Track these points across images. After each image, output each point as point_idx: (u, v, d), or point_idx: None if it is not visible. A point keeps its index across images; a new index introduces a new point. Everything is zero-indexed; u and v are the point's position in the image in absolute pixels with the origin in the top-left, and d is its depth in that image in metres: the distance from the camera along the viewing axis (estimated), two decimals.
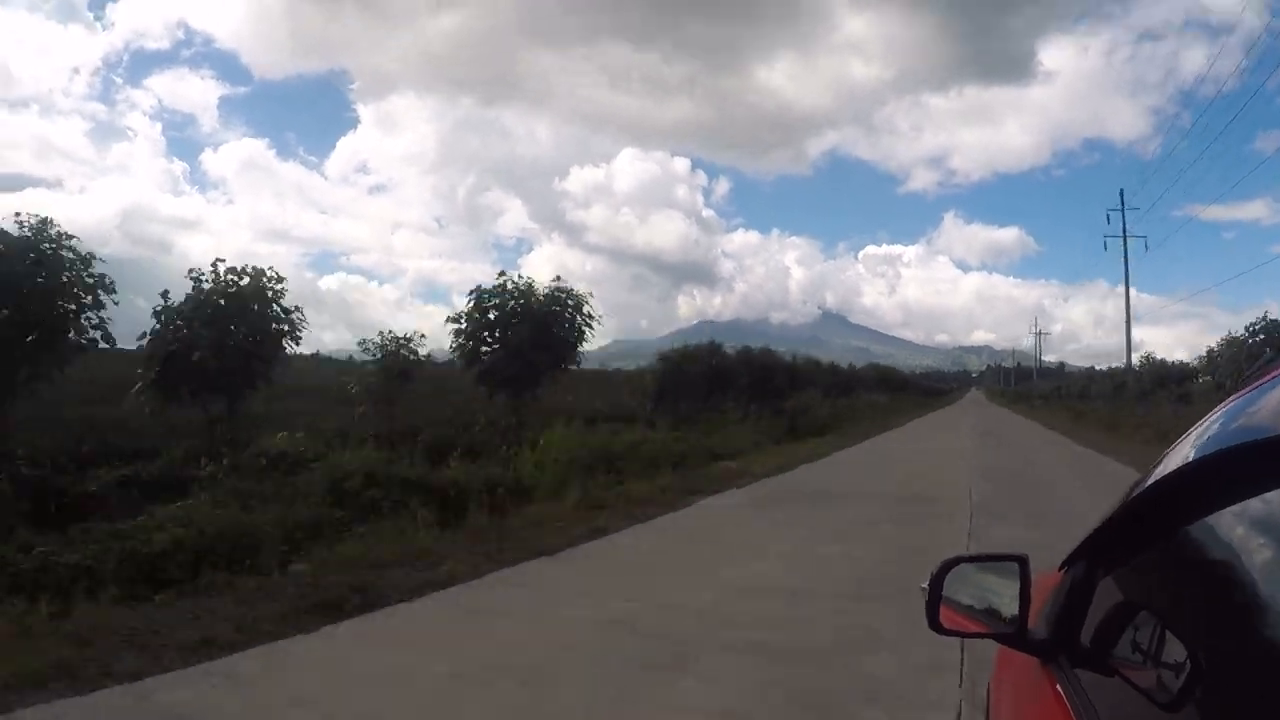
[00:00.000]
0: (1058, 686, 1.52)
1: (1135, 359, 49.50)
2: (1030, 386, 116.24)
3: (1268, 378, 1.29)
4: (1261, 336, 32.44)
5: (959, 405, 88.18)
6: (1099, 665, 1.41)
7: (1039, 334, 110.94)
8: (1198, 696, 1.09)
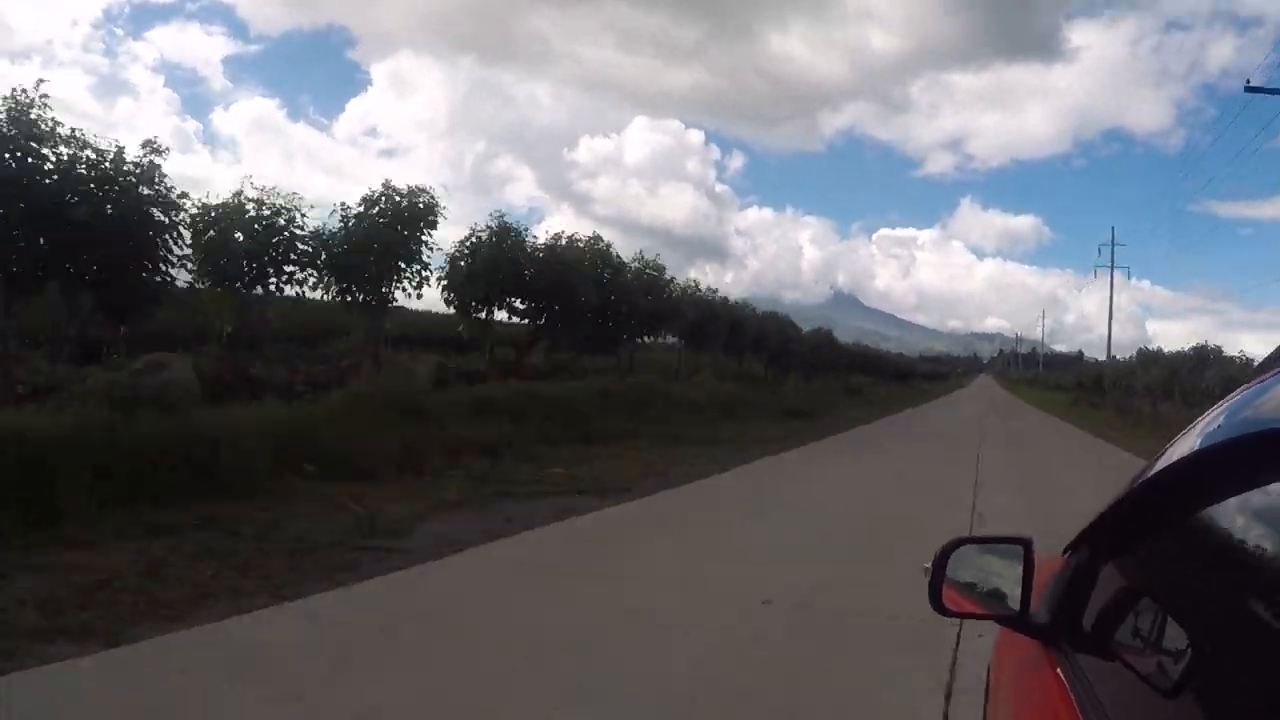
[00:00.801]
0: (1058, 670, 1.54)
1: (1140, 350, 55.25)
2: (1036, 374, 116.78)
3: (1275, 371, 1.30)
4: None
5: (956, 398, 68.88)
6: (1100, 650, 1.42)
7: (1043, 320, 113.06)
8: (1198, 683, 1.11)
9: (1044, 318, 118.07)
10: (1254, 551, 1.20)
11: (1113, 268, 56.11)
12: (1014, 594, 1.66)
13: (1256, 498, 1.22)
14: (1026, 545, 1.68)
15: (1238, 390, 1.38)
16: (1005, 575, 1.69)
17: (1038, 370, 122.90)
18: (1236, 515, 1.30)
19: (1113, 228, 60.67)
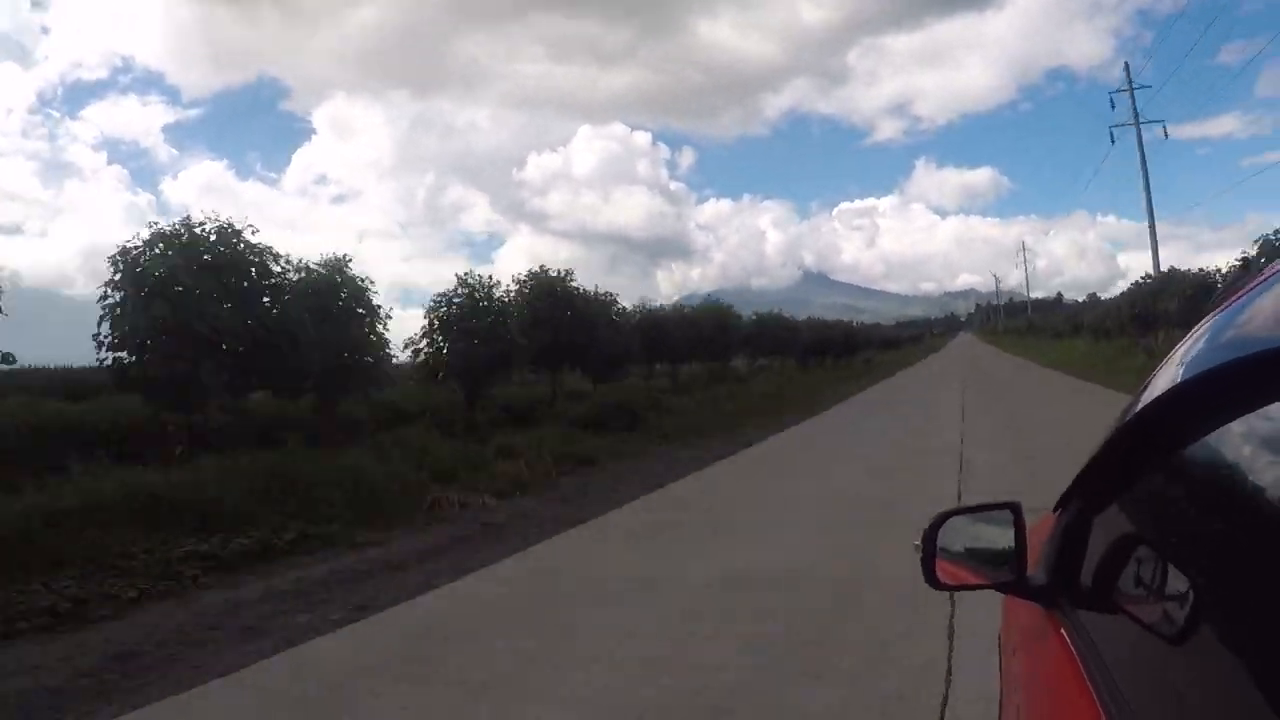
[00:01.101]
0: (1061, 630, 1.48)
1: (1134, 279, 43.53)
2: (1028, 320, 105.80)
3: (1245, 291, 1.24)
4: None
5: (917, 377, 42.81)
6: (1102, 604, 1.36)
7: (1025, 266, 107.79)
8: (1204, 627, 1.05)
9: (1024, 254, 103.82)
10: (1251, 480, 1.14)
11: (1137, 123, 38.70)
12: (1009, 559, 1.61)
13: (1246, 424, 1.16)
14: (1015, 509, 1.63)
15: (1212, 313, 1.31)
16: (998, 542, 1.64)
17: (1027, 317, 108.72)
18: (1228, 445, 1.24)
19: (1126, 63, 47.07)
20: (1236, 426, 1.19)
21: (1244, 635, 1.03)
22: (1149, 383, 1.40)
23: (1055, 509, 1.75)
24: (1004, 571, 1.61)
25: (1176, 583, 1.14)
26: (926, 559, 1.68)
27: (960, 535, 1.72)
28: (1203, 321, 1.32)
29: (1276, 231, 29.00)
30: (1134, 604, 1.25)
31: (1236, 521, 1.18)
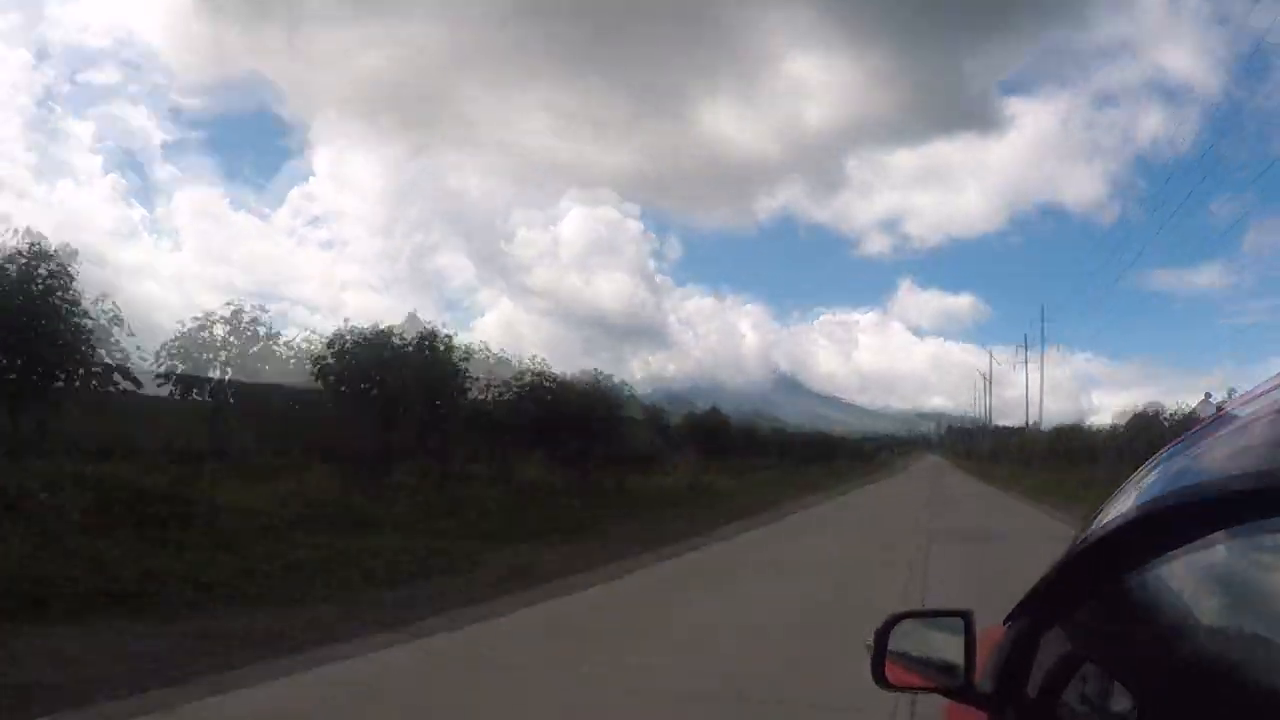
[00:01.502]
0: None
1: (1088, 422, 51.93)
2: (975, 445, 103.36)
3: (1201, 427, 1.31)
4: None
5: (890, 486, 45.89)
6: (1046, 716, 1.40)
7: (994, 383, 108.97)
8: None
9: (989, 386, 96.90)
10: (1195, 608, 1.19)
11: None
12: (958, 666, 1.64)
13: (1194, 555, 1.22)
14: (967, 617, 1.66)
15: (1165, 448, 1.38)
16: (947, 648, 1.67)
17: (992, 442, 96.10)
18: (1175, 573, 1.29)
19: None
20: (1182, 556, 1.25)
21: None
22: (1103, 509, 1.47)
23: (1005, 621, 1.79)
24: (951, 677, 1.65)
25: (1120, 700, 1.18)
26: (877, 658, 1.72)
27: (911, 638, 1.75)
28: (1157, 455, 1.39)
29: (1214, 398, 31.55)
30: (1078, 718, 1.29)
31: (1180, 646, 1.23)
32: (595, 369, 27.08)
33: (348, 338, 17.36)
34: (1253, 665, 1.00)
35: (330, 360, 16.82)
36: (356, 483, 14.05)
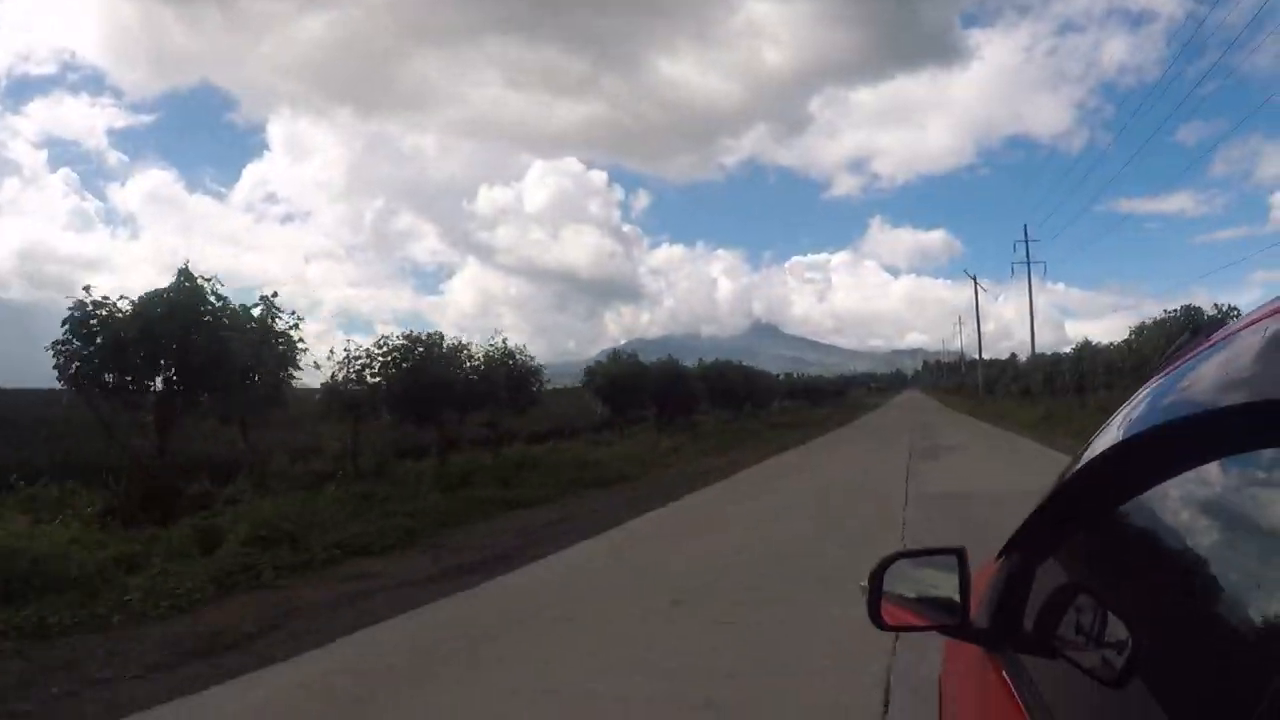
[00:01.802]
0: (1004, 673, 1.53)
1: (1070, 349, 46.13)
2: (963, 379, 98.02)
3: (1188, 357, 1.31)
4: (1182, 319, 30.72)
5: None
6: (1042, 649, 1.42)
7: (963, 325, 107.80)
8: (1141, 672, 1.11)
9: (976, 314, 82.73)
10: (1184, 536, 1.21)
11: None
12: (953, 603, 1.65)
13: (1182, 483, 1.23)
14: (960, 554, 1.67)
15: (1154, 378, 1.39)
16: (943, 585, 1.68)
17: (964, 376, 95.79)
18: (1164, 502, 1.31)
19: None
20: (1172, 485, 1.26)
21: (1178, 681, 1.10)
22: (1092, 440, 1.48)
23: (998, 557, 1.81)
24: (948, 615, 1.66)
25: (1115, 630, 1.19)
26: (872, 600, 1.73)
27: (905, 578, 1.76)
28: (1145, 385, 1.40)
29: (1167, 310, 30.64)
30: (1074, 649, 1.30)
31: (1171, 574, 1.25)
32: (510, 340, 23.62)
33: (98, 313, 11.86)
34: (1242, 592, 1.01)
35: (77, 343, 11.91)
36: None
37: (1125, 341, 32.58)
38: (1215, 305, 29.21)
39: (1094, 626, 1.27)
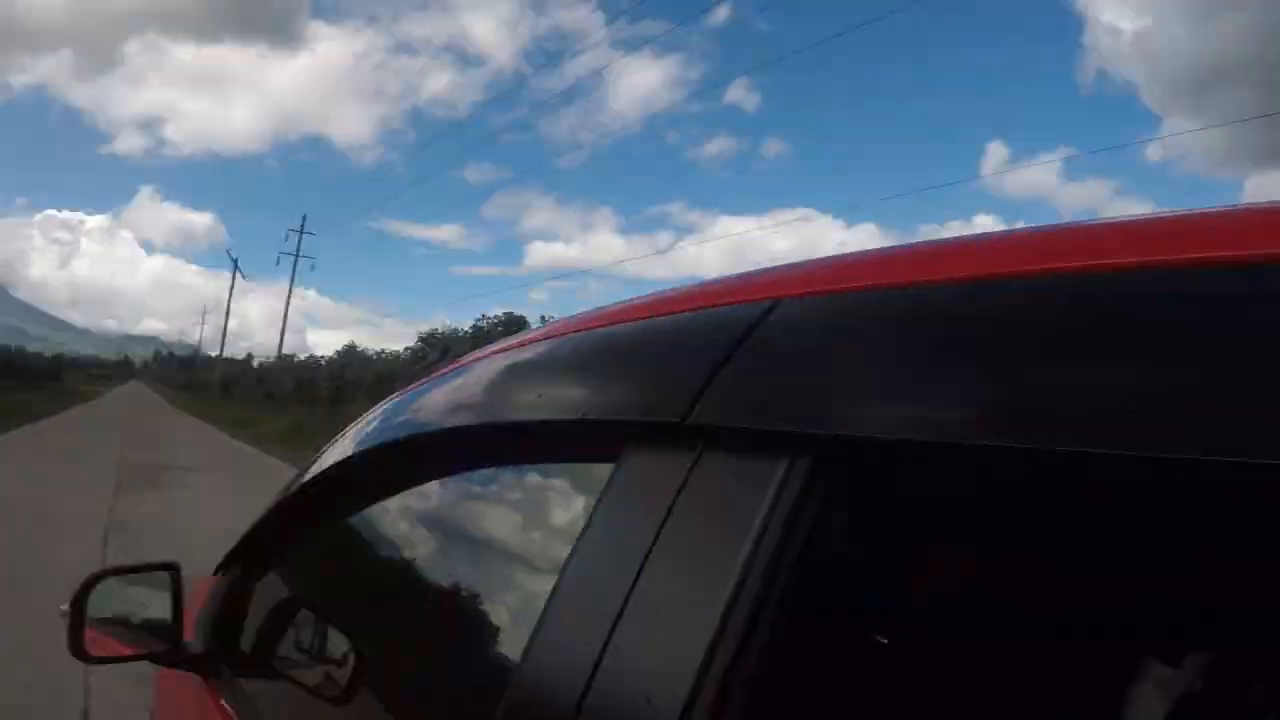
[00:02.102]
0: (222, 701, 1.42)
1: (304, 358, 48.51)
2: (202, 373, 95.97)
3: (433, 377, 1.36)
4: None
5: None
6: (264, 670, 1.34)
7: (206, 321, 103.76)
8: (365, 686, 1.10)
9: (228, 309, 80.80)
10: (414, 547, 1.26)
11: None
12: (168, 626, 1.49)
13: (405, 498, 1.28)
14: (174, 570, 1.51)
15: (392, 396, 1.42)
16: (157, 606, 1.51)
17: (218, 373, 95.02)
18: (385, 515, 1.35)
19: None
20: (395, 500, 1.31)
21: (402, 693, 1.12)
22: (319, 455, 1.46)
23: (216, 571, 1.69)
24: (160, 640, 1.48)
25: (337, 645, 1.18)
26: (74, 627, 1.48)
27: (116, 598, 1.55)
28: (384, 400, 1.43)
29: (436, 331, 33.42)
30: (296, 668, 1.26)
31: (390, 587, 1.29)
32: None
33: None
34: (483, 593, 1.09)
35: None
36: None
37: (409, 348, 33.27)
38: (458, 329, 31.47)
39: (315, 643, 1.24)
